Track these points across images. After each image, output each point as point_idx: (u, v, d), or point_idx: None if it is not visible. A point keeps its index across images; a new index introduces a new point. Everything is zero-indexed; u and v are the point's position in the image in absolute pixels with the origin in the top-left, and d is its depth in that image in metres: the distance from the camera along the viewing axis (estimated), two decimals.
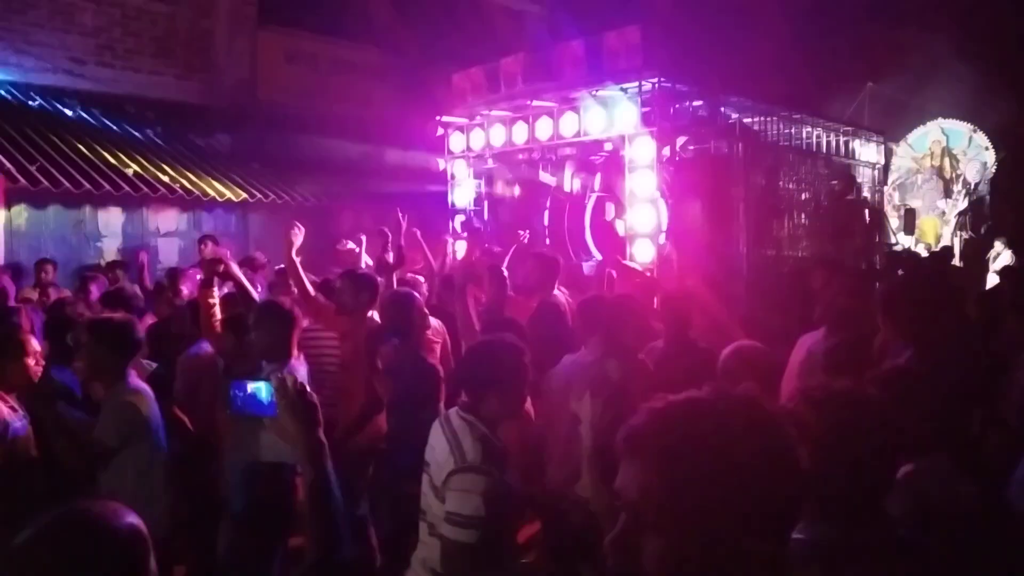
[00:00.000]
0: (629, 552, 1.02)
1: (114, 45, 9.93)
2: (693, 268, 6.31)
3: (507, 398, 2.47)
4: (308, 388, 1.82)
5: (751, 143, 7.61)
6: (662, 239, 6.73)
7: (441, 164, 8.81)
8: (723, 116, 7.60)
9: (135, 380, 3.16)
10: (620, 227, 7.25)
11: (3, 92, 8.89)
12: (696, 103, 7.37)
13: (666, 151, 6.73)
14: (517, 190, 8.41)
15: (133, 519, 1.38)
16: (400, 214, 5.53)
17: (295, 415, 1.77)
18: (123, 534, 1.35)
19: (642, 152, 6.59)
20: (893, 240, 11.49)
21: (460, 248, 8.36)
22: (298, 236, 4.47)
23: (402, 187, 9.27)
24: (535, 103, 7.39)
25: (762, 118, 7.85)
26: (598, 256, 7.63)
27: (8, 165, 7.40)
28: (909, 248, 11.13)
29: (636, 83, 6.63)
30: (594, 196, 7.94)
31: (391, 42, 11.32)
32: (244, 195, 8.98)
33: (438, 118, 8.36)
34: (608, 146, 7.24)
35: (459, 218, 8.54)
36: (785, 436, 1.04)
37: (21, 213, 7.93)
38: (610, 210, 7.72)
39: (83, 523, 1.35)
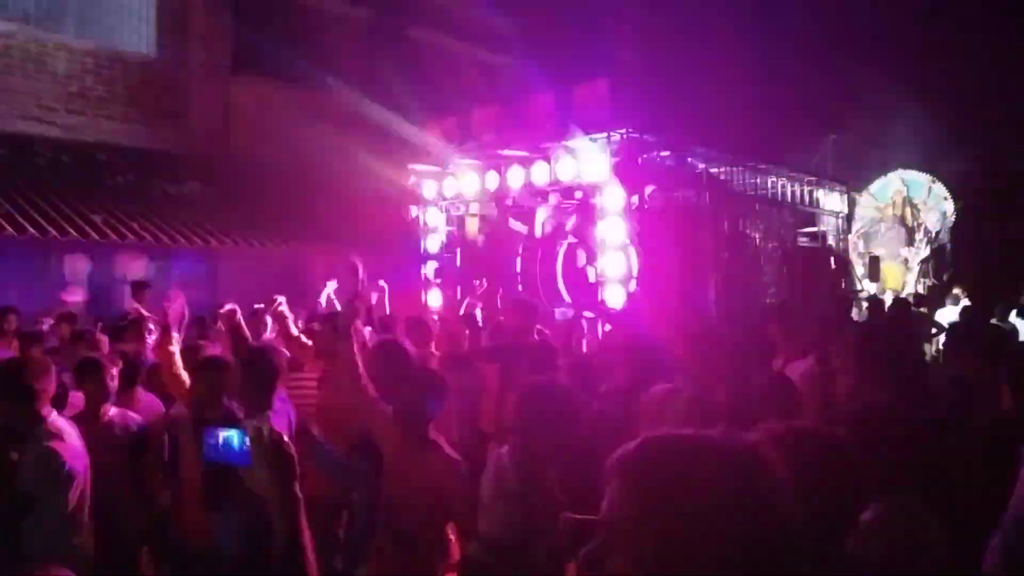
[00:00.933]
0: (597, 567, 1.07)
1: (86, 93, 9.93)
2: (664, 314, 6.38)
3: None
4: (285, 438, 1.78)
5: (718, 192, 7.80)
6: (633, 285, 6.81)
7: (413, 211, 8.86)
8: (690, 166, 7.79)
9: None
10: (591, 274, 7.32)
11: None
12: (664, 153, 7.55)
13: (635, 199, 6.86)
14: (483, 238, 8.49)
15: None
16: (356, 261, 5.30)
17: (271, 466, 1.73)
18: None
19: (612, 200, 6.71)
20: (859, 287, 11.73)
21: (433, 296, 8.38)
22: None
23: (373, 234, 9.27)
24: (507, 152, 7.51)
25: (728, 168, 8.05)
26: (569, 301, 7.68)
27: None
28: (875, 295, 11.36)
29: (605, 134, 6.78)
30: (565, 243, 8.02)
31: (363, 91, 11.45)
32: (213, 242, 8.92)
33: (410, 166, 8.44)
34: (578, 194, 7.36)
35: (431, 265, 8.56)
36: (766, 482, 1.07)
37: None
38: (581, 257, 7.80)
39: None
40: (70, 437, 3.00)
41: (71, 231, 7.76)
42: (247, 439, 1.83)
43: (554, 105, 7.32)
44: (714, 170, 7.95)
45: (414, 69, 11.76)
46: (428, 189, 8.48)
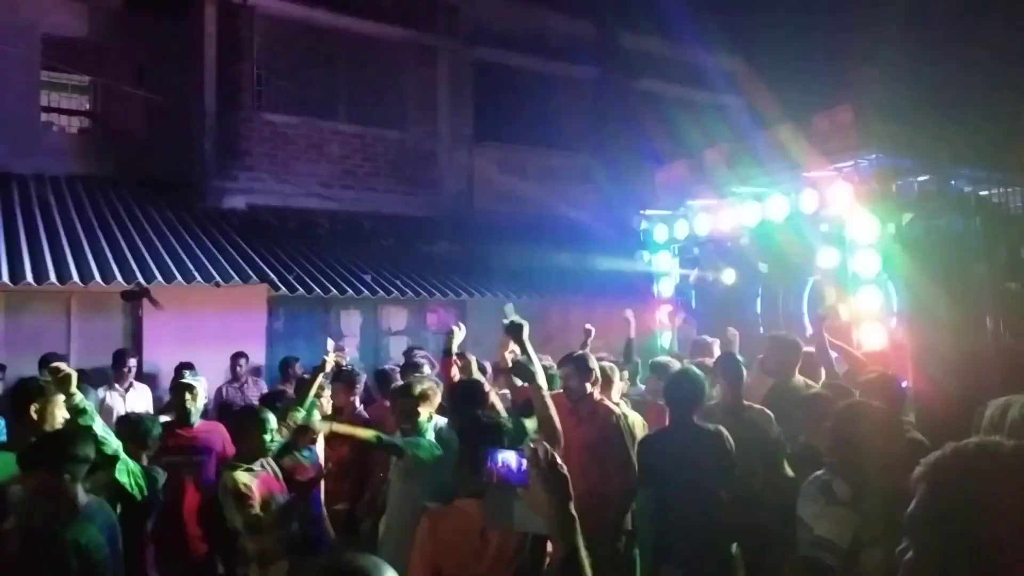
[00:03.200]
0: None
1: (355, 170, 11.40)
2: (929, 353, 5.77)
3: None
4: (559, 459, 1.89)
5: (991, 216, 6.94)
6: (893, 323, 6.25)
7: (645, 257, 8.92)
8: (954, 189, 7.05)
9: None
10: (843, 312, 6.84)
11: (269, 216, 10.47)
12: (922, 177, 6.91)
13: (890, 228, 6.34)
14: (728, 277, 8.26)
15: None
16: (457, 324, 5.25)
17: (546, 486, 1.84)
18: None
19: (863, 232, 6.26)
20: None
21: (666, 340, 8.33)
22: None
23: (607, 280, 9.45)
24: (741, 188, 7.34)
25: (1002, 189, 7.15)
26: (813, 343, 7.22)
27: (271, 275, 8.63)
28: None
29: (852, 161, 6.39)
30: (811, 280, 7.59)
31: (594, 146, 11.87)
32: (463, 294, 9.67)
33: (641, 212, 8.55)
34: (823, 227, 6.96)
35: (665, 309, 8.52)
36: None
37: (280, 317, 9.14)
38: (830, 294, 7.33)
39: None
40: None
41: (347, 289, 8.87)
42: (524, 460, 1.96)
43: (791, 137, 7.06)
44: (984, 192, 7.11)
45: (643, 120, 11.99)
46: (659, 233, 8.52)
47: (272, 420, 4.13)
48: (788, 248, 7.54)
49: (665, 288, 8.63)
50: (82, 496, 3.13)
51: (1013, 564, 1.05)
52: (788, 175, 6.86)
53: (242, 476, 3.89)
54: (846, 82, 8.99)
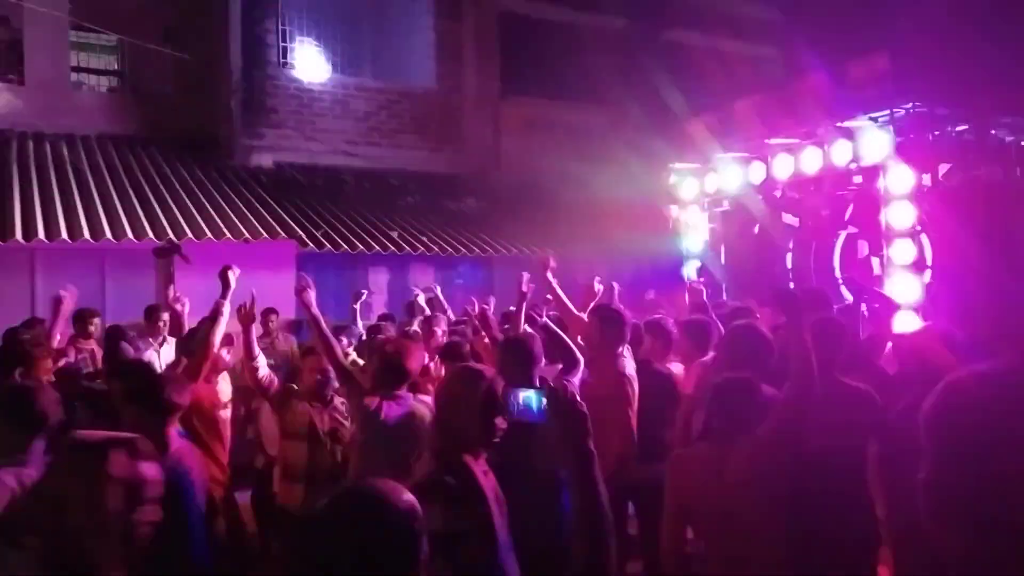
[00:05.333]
0: None
1: (381, 127, 11.35)
2: (971, 309, 5.65)
3: None
4: (578, 398, 1.92)
5: None
6: (927, 276, 6.13)
7: (673, 211, 8.81)
8: (995, 139, 6.82)
9: None
10: (875, 265, 6.72)
11: (296, 174, 10.51)
12: (960, 127, 6.70)
13: (926, 180, 6.18)
14: (755, 231, 8.15)
15: (410, 497, 1.55)
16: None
17: (564, 423, 1.87)
18: (404, 508, 1.52)
19: (899, 183, 6.11)
20: None
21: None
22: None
23: (634, 235, 9.37)
24: (773, 141, 7.18)
25: None
26: (849, 298, 7.10)
27: (300, 232, 8.69)
28: None
29: (887, 111, 6.21)
30: (843, 234, 7.45)
31: (622, 98, 11.66)
32: (489, 251, 9.67)
33: (669, 166, 8.43)
34: (857, 179, 6.81)
35: (692, 264, 8.44)
36: None
37: (309, 274, 9.21)
38: (863, 247, 7.20)
39: (371, 498, 1.54)
40: None
41: (375, 246, 8.92)
42: (544, 399, 1.98)
43: (824, 87, 6.86)
44: None
45: (672, 71, 11.72)
46: (688, 187, 8.40)
47: None
48: (820, 201, 7.41)
49: (692, 244, 8.54)
50: None
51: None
52: (821, 126, 6.69)
53: None
54: (882, 27, 8.67)
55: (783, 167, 7.08)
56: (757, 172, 7.39)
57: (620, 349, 4.20)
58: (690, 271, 8.42)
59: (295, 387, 4.34)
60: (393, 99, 11.52)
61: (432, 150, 11.68)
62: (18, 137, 9.68)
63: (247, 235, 8.25)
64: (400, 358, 3.50)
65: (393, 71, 11.67)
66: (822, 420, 2.69)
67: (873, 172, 6.37)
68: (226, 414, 4.65)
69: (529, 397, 2.03)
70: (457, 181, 11.38)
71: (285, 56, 11.01)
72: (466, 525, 1.85)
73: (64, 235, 7.52)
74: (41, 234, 7.45)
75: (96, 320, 6.52)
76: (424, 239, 9.39)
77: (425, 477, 1.95)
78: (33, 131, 9.84)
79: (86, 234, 7.61)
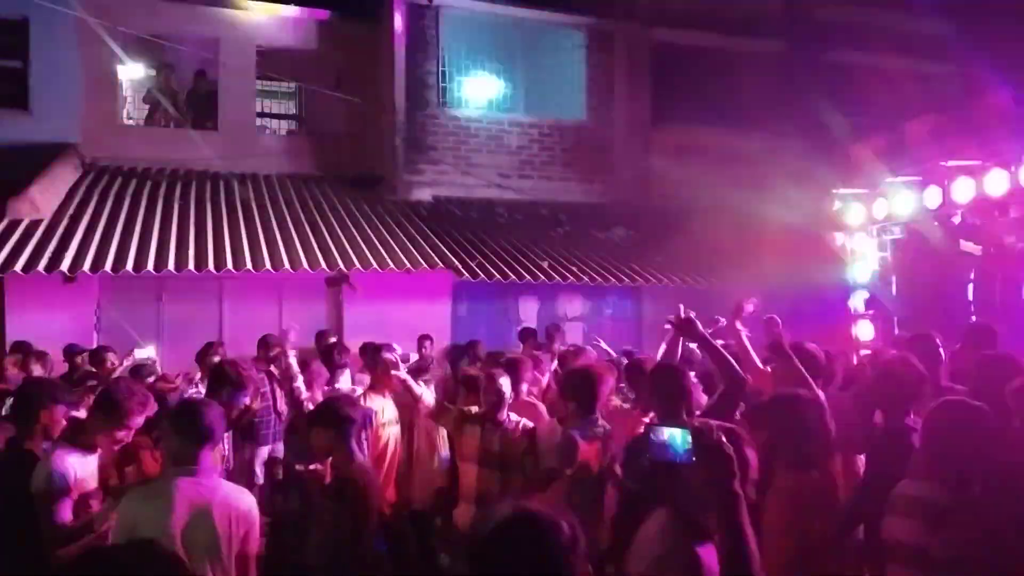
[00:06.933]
0: None
1: (532, 160, 11.65)
2: None
3: None
4: (724, 438, 1.87)
5: None
6: None
7: (839, 239, 8.33)
8: None
9: None
10: None
11: (452, 207, 11.00)
12: None
13: None
14: (932, 260, 7.53)
15: (572, 520, 1.58)
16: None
17: (709, 464, 1.83)
18: (568, 533, 1.56)
19: None
20: None
21: (863, 329, 7.72)
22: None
23: (795, 265, 8.95)
24: (951, 163, 6.64)
25: None
26: None
27: (456, 263, 9.07)
28: None
29: None
30: None
31: (780, 123, 11.24)
32: (639, 280, 9.60)
33: (832, 191, 7.99)
34: None
35: (860, 295, 7.91)
36: None
37: (463, 303, 9.59)
38: None
39: (536, 522, 1.59)
40: None
41: (525, 275, 9.12)
42: (689, 438, 1.95)
43: (1008, 104, 6.29)
44: None
45: (834, 93, 11.17)
46: (854, 213, 7.92)
47: None
48: (1005, 227, 6.75)
49: (861, 274, 8.01)
50: None
51: None
52: (1007, 145, 6.12)
53: None
54: None
55: (963, 191, 6.51)
56: (933, 196, 6.84)
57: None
58: (857, 302, 7.90)
59: (471, 410, 4.51)
60: (545, 132, 11.79)
61: (582, 180, 11.82)
62: (211, 177, 10.85)
63: (408, 265, 8.72)
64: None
65: (545, 105, 11.96)
66: None
67: None
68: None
69: (674, 435, 1.99)
70: (607, 211, 11.42)
71: (444, 96, 11.60)
72: None
73: (248, 265, 8.31)
74: (230, 264, 8.27)
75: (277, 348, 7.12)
76: (574, 268, 9.48)
77: None
78: (224, 172, 10.99)
79: (267, 265, 8.37)
